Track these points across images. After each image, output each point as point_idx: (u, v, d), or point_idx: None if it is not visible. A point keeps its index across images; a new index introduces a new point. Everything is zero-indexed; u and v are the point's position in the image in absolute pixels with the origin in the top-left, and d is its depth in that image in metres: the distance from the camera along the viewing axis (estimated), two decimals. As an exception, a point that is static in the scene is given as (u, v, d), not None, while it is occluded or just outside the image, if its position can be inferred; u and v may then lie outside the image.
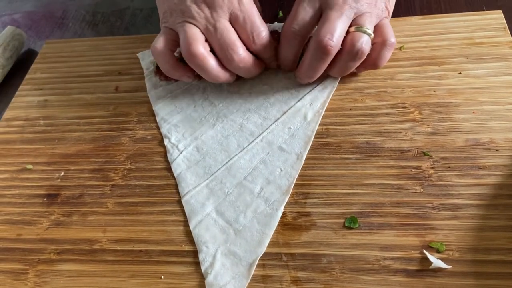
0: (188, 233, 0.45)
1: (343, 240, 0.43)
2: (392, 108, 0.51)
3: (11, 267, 0.46)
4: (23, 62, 0.70)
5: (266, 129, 0.51)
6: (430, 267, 0.40)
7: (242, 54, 0.49)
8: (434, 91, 0.51)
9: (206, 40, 0.50)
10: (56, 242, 0.47)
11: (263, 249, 0.43)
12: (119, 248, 0.45)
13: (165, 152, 0.52)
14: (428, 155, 0.47)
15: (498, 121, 0.48)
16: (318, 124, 0.50)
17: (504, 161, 0.45)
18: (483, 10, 0.59)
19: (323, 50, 0.47)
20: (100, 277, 0.44)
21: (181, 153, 0.50)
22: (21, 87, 0.62)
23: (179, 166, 0.50)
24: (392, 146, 0.48)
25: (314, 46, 0.47)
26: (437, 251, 0.41)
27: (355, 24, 0.48)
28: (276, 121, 0.51)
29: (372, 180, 0.46)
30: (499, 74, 0.52)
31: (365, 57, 0.49)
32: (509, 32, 0.55)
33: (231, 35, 0.49)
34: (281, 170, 0.47)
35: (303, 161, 0.48)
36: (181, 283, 0.42)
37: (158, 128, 0.54)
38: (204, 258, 0.43)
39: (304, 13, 0.49)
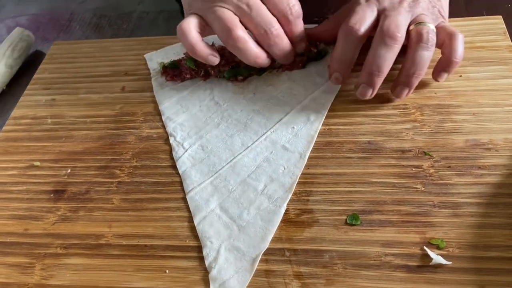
0: (193, 229, 0.46)
1: (345, 237, 0.43)
2: (393, 109, 0.52)
3: (18, 261, 0.46)
4: (30, 63, 0.71)
5: (270, 128, 0.52)
6: (430, 263, 0.40)
7: (279, 29, 0.50)
8: (435, 93, 0.52)
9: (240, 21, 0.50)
10: (63, 236, 0.47)
11: (266, 244, 0.43)
12: (124, 242, 0.46)
13: (170, 150, 0.52)
14: (429, 154, 0.47)
15: (497, 122, 0.49)
16: (321, 124, 0.51)
17: (504, 161, 0.46)
18: (483, 15, 0.60)
19: (390, 36, 0.47)
20: (105, 271, 0.44)
21: (186, 151, 0.51)
22: (29, 86, 0.64)
23: (184, 163, 0.50)
24: (393, 146, 0.49)
25: (379, 36, 0.48)
26: (438, 247, 0.41)
27: (414, 22, 0.49)
28: (279, 121, 0.52)
29: (374, 179, 0.47)
30: (498, 77, 0.53)
31: (434, 47, 0.48)
32: (508, 36, 0.56)
33: (266, 11, 0.50)
34: (284, 169, 0.48)
35: (305, 159, 0.49)
36: (186, 277, 0.43)
37: (163, 127, 0.55)
38: (208, 252, 0.44)
39: (363, 13, 0.50)
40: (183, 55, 0.59)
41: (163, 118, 0.55)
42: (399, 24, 0.48)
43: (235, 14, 0.50)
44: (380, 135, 0.50)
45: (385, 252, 0.42)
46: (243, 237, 0.44)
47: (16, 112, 0.61)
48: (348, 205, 0.45)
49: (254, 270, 0.42)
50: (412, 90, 0.51)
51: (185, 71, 0.58)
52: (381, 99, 0.53)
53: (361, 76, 0.50)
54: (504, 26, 0.57)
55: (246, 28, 0.51)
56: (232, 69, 0.56)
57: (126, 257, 0.45)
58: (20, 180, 0.53)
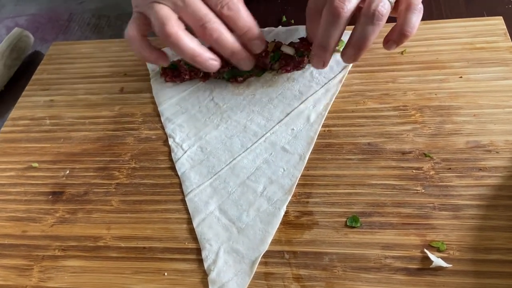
0: (192, 231, 0.46)
1: (345, 239, 0.43)
2: (393, 110, 0.52)
3: (15, 263, 0.46)
4: (29, 63, 0.71)
5: (270, 130, 0.51)
6: (431, 266, 0.40)
7: (215, 23, 0.47)
8: (436, 94, 0.52)
9: (180, 19, 0.48)
10: (61, 238, 0.47)
11: (265, 247, 0.43)
12: (123, 245, 0.46)
13: (169, 152, 0.52)
14: (429, 156, 0.47)
15: (498, 124, 0.49)
16: (320, 126, 0.51)
17: (504, 163, 0.46)
18: (484, 16, 0.60)
19: (334, 12, 0.45)
20: (104, 273, 0.44)
21: (185, 152, 0.51)
22: (27, 87, 0.63)
23: (183, 165, 0.50)
24: (393, 148, 0.49)
25: (326, 11, 0.46)
26: (438, 250, 0.41)
27: None
28: (279, 122, 0.52)
29: (374, 181, 0.46)
30: (499, 78, 0.52)
31: (383, 22, 0.45)
32: (509, 37, 0.56)
33: (201, 6, 0.47)
34: (284, 170, 0.48)
35: (305, 161, 0.48)
36: (184, 280, 0.43)
37: (162, 128, 0.55)
38: (207, 255, 0.43)
39: None
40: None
41: (162, 119, 0.55)
42: None
43: (173, 10, 0.48)
44: (380, 137, 0.50)
45: (385, 254, 0.42)
46: (242, 240, 0.44)
47: (14, 113, 0.60)
48: (348, 207, 0.45)
49: (254, 273, 0.42)
50: (358, 58, 0.49)
51: (184, 72, 0.58)
52: (381, 101, 0.52)
53: (313, 48, 0.49)
54: (505, 27, 0.57)
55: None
56: (232, 70, 0.56)
57: (125, 259, 0.45)
58: (18, 181, 0.53)
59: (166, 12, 0.47)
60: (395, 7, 0.47)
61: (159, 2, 0.48)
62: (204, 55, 0.49)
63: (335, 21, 0.46)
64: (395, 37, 0.48)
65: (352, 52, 0.48)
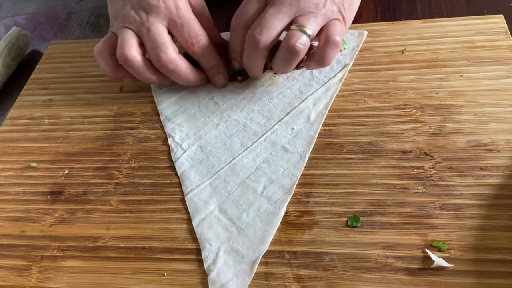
0: (191, 231, 0.45)
1: (345, 239, 0.43)
2: (394, 109, 0.51)
3: (14, 263, 0.46)
4: (28, 62, 0.70)
5: (270, 129, 0.51)
6: (432, 266, 0.40)
7: (171, 55, 0.50)
8: (436, 93, 0.52)
9: (143, 44, 0.52)
10: (60, 239, 0.47)
11: (265, 247, 0.43)
12: (122, 245, 0.45)
13: (168, 151, 0.52)
14: (430, 155, 0.47)
15: (499, 123, 0.48)
16: (321, 125, 0.51)
17: (506, 162, 0.46)
18: (484, 15, 0.59)
19: (252, 42, 0.48)
20: (103, 273, 0.44)
21: (184, 152, 0.51)
22: (26, 86, 0.63)
23: (182, 164, 0.50)
24: (394, 147, 0.48)
25: (247, 39, 0.49)
26: (439, 250, 0.41)
27: (296, 23, 0.47)
28: (279, 121, 0.52)
29: (375, 180, 0.46)
30: (500, 77, 0.52)
31: (301, 55, 0.48)
32: (510, 36, 0.56)
33: (163, 36, 0.50)
34: (284, 170, 0.48)
35: (305, 161, 0.48)
36: (184, 280, 0.42)
37: (162, 127, 0.54)
38: (207, 255, 0.43)
39: (250, 6, 0.50)
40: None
41: (162, 118, 0.55)
42: (266, 27, 0.48)
43: (136, 35, 0.51)
44: (380, 136, 0.49)
45: (386, 254, 0.41)
46: (242, 239, 0.44)
47: (13, 112, 0.60)
48: (348, 206, 0.45)
49: (254, 273, 0.42)
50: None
51: None
52: (382, 100, 0.52)
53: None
54: (506, 25, 0.57)
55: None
56: (232, 69, 0.56)
57: (124, 259, 0.44)
58: (17, 181, 0.52)
59: (129, 36, 0.51)
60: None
61: (127, 27, 0.51)
62: (153, 79, 0.53)
63: (254, 50, 0.49)
64: (311, 64, 0.51)
65: (277, 69, 0.52)
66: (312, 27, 0.47)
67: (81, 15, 0.78)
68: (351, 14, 0.52)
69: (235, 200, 0.46)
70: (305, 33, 0.47)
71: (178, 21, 0.51)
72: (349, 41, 0.58)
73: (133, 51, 0.50)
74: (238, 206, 0.46)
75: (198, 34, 0.51)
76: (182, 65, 0.52)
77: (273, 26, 0.48)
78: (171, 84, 0.56)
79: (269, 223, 0.44)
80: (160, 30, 0.50)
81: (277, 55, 0.49)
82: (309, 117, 0.51)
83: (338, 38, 0.47)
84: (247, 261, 0.42)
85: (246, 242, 0.43)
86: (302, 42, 0.47)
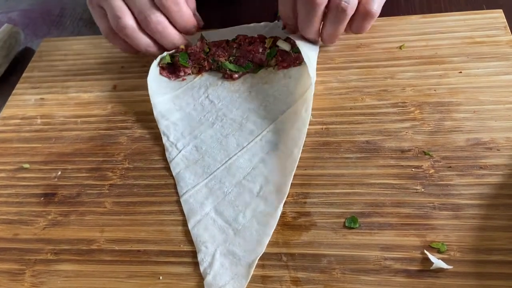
0: (187, 233, 0.45)
1: (343, 240, 0.42)
2: (392, 107, 0.51)
3: (7, 267, 0.45)
4: (20, 60, 0.69)
5: (266, 128, 0.50)
6: (431, 268, 0.39)
7: (160, 17, 0.51)
8: (435, 90, 0.51)
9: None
10: (53, 242, 0.46)
11: (262, 248, 0.42)
12: (117, 248, 0.45)
13: (163, 151, 0.51)
14: (428, 154, 0.46)
15: (499, 120, 0.48)
16: (309, 116, 0.49)
17: (505, 160, 0.45)
18: (484, 9, 0.58)
19: (341, 10, 0.48)
20: (97, 277, 0.43)
21: (180, 152, 0.50)
22: (18, 85, 0.62)
23: (177, 165, 0.49)
24: (392, 146, 0.48)
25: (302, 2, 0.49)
26: (438, 251, 0.40)
27: None
28: (275, 120, 0.51)
29: (373, 180, 0.45)
30: (499, 73, 0.51)
31: (347, 19, 0.50)
32: (509, 31, 0.55)
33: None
34: (279, 169, 0.47)
35: (297, 159, 0.47)
36: (180, 283, 0.42)
37: (156, 127, 0.53)
38: (203, 258, 0.42)
39: None
40: (177, 53, 0.57)
41: (155, 113, 0.53)
42: None
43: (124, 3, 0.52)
44: (378, 134, 0.49)
45: (384, 256, 0.41)
46: (238, 241, 0.43)
47: (4, 112, 0.59)
48: (346, 207, 0.44)
49: (251, 276, 0.41)
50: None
51: (178, 68, 0.56)
52: (380, 97, 0.51)
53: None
54: (505, 20, 0.56)
55: None
56: (229, 63, 0.55)
57: (119, 263, 0.44)
58: (9, 183, 0.52)
59: (121, 5, 0.51)
60: None
61: None
62: (154, 47, 0.54)
63: (312, 9, 0.49)
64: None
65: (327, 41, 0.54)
66: None
67: (74, 11, 0.77)
68: None
69: (231, 201, 0.46)
70: None
71: None
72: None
73: (130, 20, 0.51)
74: (234, 207, 0.45)
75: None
76: (170, 26, 0.53)
77: None
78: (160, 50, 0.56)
79: (265, 224, 0.44)
80: None
81: (324, 22, 0.51)
82: (302, 114, 0.50)
83: (375, 9, 0.49)
84: (243, 263, 0.42)
85: (243, 244, 0.43)
86: (346, 6, 0.48)
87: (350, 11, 0.48)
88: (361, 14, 0.49)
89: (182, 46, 0.56)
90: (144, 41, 0.53)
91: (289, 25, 0.55)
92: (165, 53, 0.56)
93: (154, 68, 0.56)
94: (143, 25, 0.52)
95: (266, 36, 0.56)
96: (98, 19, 0.55)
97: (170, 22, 0.53)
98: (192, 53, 0.56)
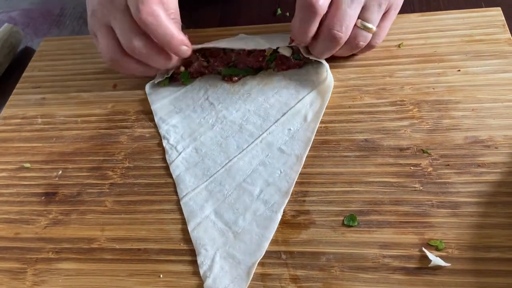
0: (186, 232, 0.45)
1: (342, 238, 0.42)
2: (391, 105, 0.51)
3: (9, 266, 0.45)
4: (20, 60, 0.69)
5: (266, 130, 0.50)
6: (429, 265, 0.40)
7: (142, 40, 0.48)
8: (433, 88, 0.51)
9: None
10: (54, 241, 0.46)
11: (262, 252, 0.42)
12: (117, 246, 0.45)
13: (163, 150, 0.51)
14: (427, 152, 0.46)
15: (497, 118, 0.48)
16: (318, 125, 0.50)
17: (503, 158, 0.45)
18: (482, 7, 0.58)
19: (333, 36, 0.48)
20: (98, 276, 0.43)
21: (179, 154, 0.50)
22: (18, 85, 0.62)
23: (177, 167, 0.49)
24: (391, 144, 0.48)
25: (324, 34, 0.48)
26: (436, 249, 0.41)
27: (361, 17, 0.48)
28: (275, 122, 0.51)
29: (371, 178, 0.46)
30: (498, 71, 0.51)
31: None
32: (508, 29, 0.55)
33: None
34: (280, 172, 0.47)
35: (302, 163, 0.47)
36: (180, 282, 0.42)
37: (156, 126, 0.53)
38: (203, 261, 0.42)
39: None
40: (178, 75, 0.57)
41: (156, 119, 0.54)
42: (343, 21, 0.47)
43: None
44: (377, 133, 0.49)
45: (383, 254, 0.41)
46: (238, 244, 0.43)
47: (5, 111, 0.59)
48: (345, 205, 0.44)
49: (250, 279, 0.41)
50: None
51: (176, 77, 0.57)
52: (378, 96, 0.52)
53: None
54: (504, 18, 0.56)
55: None
56: (229, 68, 0.55)
57: (119, 261, 0.44)
58: (10, 182, 0.52)
59: (131, 20, 0.47)
60: None
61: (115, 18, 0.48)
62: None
63: (333, 45, 0.49)
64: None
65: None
66: (376, 19, 0.49)
67: (74, 11, 0.77)
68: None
69: (231, 203, 0.46)
70: (367, 30, 0.49)
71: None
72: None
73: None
74: (234, 210, 0.45)
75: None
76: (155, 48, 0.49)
77: (346, 23, 0.47)
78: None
79: (265, 227, 0.43)
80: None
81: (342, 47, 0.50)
82: (306, 117, 0.50)
83: (378, 42, 0.52)
84: (243, 266, 0.42)
85: (243, 247, 0.43)
86: (365, 39, 0.50)
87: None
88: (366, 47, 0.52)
89: (182, 68, 0.56)
90: (132, 66, 0.51)
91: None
92: (165, 77, 0.57)
93: (150, 83, 0.57)
94: (128, 50, 0.49)
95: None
96: (103, 41, 0.51)
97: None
98: (192, 72, 0.57)
